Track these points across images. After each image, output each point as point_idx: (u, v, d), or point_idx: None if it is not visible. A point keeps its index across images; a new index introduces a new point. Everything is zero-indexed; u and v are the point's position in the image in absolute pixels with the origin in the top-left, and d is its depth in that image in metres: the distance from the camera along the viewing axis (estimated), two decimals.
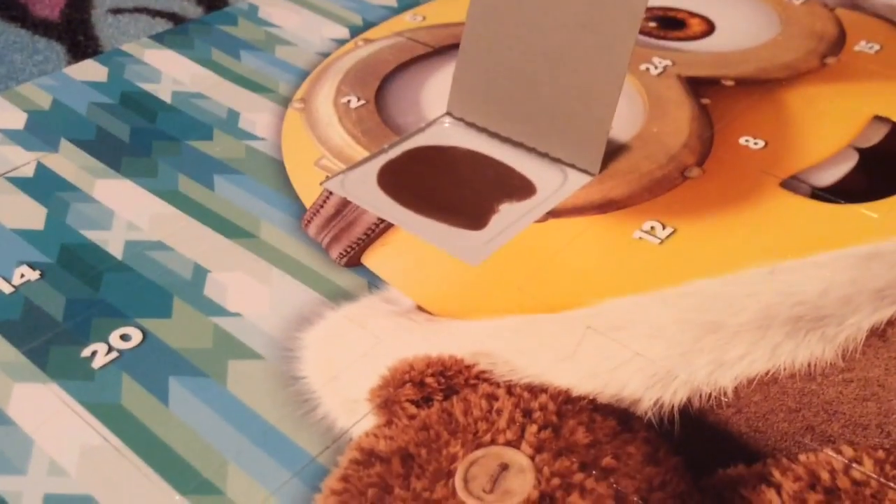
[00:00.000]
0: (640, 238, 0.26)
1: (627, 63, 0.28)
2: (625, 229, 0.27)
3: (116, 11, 0.40)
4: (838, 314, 0.23)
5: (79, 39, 0.38)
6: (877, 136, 0.31)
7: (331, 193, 0.29)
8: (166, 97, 0.34)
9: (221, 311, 0.24)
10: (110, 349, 0.23)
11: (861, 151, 0.30)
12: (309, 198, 0.28)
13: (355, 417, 0.22)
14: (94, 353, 0.23)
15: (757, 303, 0.24)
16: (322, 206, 0.28)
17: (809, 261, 0.25)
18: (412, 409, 0.22)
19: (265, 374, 0.23)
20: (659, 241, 0.26)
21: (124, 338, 0.24)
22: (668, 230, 0.27)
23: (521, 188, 0.29)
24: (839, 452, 0.20)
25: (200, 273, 0.26)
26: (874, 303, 0.24)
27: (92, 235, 0.27)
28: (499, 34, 0.30)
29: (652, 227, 0.27)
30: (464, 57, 0.31)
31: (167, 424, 0.21)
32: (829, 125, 0.31)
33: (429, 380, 0.23)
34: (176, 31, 0.38)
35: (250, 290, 0.25)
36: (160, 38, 0.37)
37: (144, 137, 0.31)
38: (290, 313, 0.24)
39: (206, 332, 0.24)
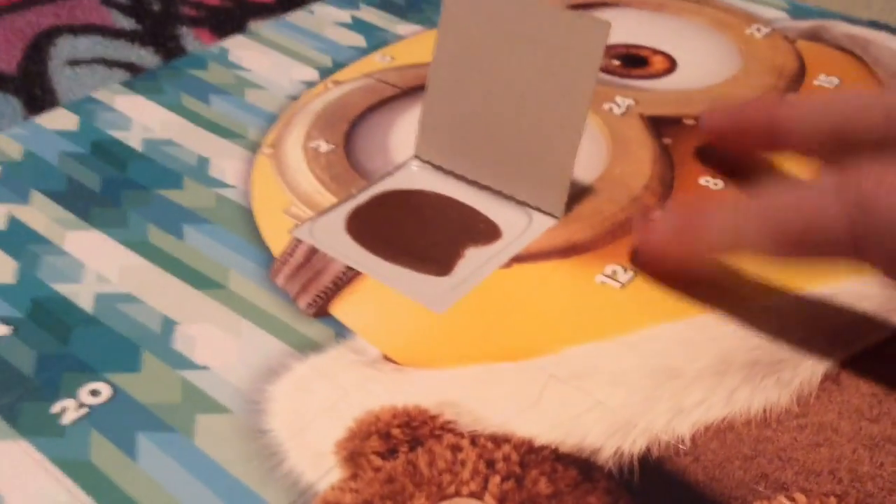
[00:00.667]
0: (603, 283, 0.27)
1: (588, 107, 0.28)
2: (587, 274, 0.27)
3: (74, 63, 0.40)
4: (793, 359, 0.24)
5: (35, 93, 0.38)
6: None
7: (299, 241, 0.29)
8: (137, 145, 0.34)
9: (190, 365, 0.25)
10: (80, 405, 0.24)
11: None
12: (278, 246, 0.29)
13: (321, 471, 0.22)
14: (63, 409, 0.23)
15: (716, 347, 0.25)
16: (291, 255, 0.29)
17: (765, 305, 0.26)
18: (378, 462, 0.22)
19: (232, 428, 0.23)
20: (620, 285, 0.27)
21: (94, 393, 0.24)
22: (630, 274, 0.27)
23: (486, 232, 0.30)
24: (792, 500, 0.21)
25: (169, 325, 0.26)
26: (828, 346, 0.24)
27: (62, 289, 0.27)
28: (463, 78, 0.31)
29: (614, 272, 0.27)
30: (429, 101, 0.32)
31: (135, 481, 0.22)
32: (789, 163, 0.32)
33: (394, 431, 0.23)
34: (145, 77, 0.39)
35: (218, 342, 0.25)
36: (130, 85, 0.38)
37: (115, 187, 0.32)
38: (258, 365, 0.25)
39: (174, 385, 0.24)
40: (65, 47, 0.42)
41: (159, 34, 0.43)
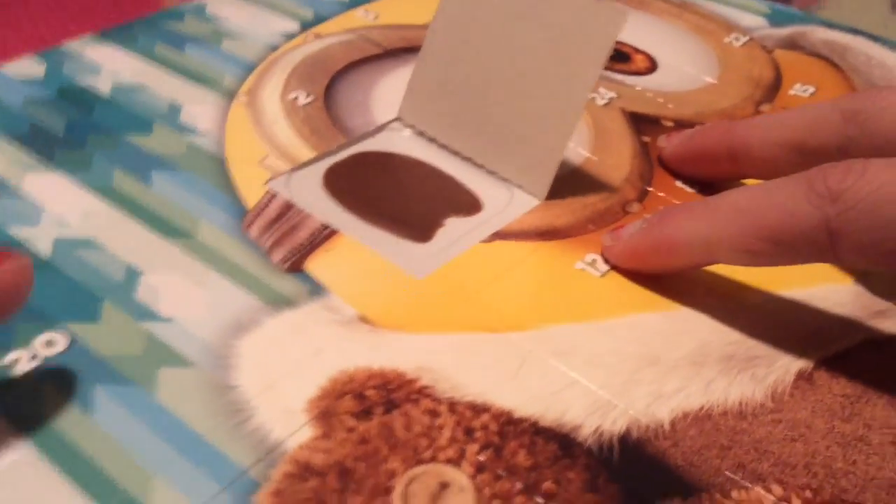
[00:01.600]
0: (582, 269, 0.26)
1: (588, 96, 0.27)
2: (567, 259, 0.26)
3: None
4: (768, 356, 0.23)
5: None
6: None
7: (275, 194, 0.28)
8: (105, 90, 0.32)
9: (153, 316, 0.23)
10: (34, 356, 0.22)
11: None
12: (252, 198, 0.27)
13: (291, 428, 0.21)
14: (16, 361, 0.22)
15: (693, 340, 0.24)
16: (265, 208, 0.27)
17: (743, 303, 0.25)
18: (351, 422, 0.21)
19: (197, 383, 0.22)
20: (600, 273, 0.26)
21: (49, 343, 0.22)
22: (609, 265, 0.26)
23: (467, 204, 0.29)
24: (769, 491, 0.20)
25: (133, 275, 0.24)
26: (802, 347, 0.24)
27: (18, 232, 0.26)
28: (462, 46, 0.30)
29: (594, 260, 0.26)
30: (422, 65, 0.31)
31: (91, 436, 0.20)
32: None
33: (369, 392, 0.22)
34: (120, 29, 0.37)
35: (184, 294, 0.24)
36: (103, 35, 0.36)
37: (80, 131, 0.30)
38: (227, 319, 0.23)
39: (136, 337, 0.23)
40: None
41: None
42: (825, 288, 0.26)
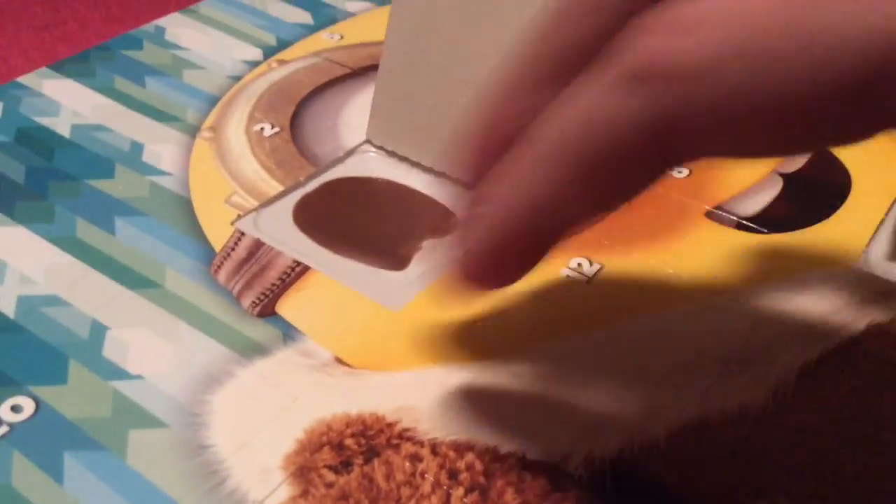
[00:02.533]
0: (568, 276, 0.25)
1: None
2: (552, 268, 0.26)
3: None
4: (768, 353, 0.23)
5: None
6: (800, 160, 0.30)
7: (242, 234, 0.27)
8: (65, 131, 0.31)
9: (121, 374, 0.22)
10: (0, 423, 0.21)
11: (785, 177, 0.29)
12: (219, 240, 0.27)
13: (268, 489, 0.20)
14: None
15: (685, 343, 0.23)
16: (233, 249, 0.26)
17: (736, 297, 0.24)
18: (330, 476, 0.20)
19: (169, 444, 0.21)
20: (587, 278, 0.25)
21: (15, 409, 0.22)
22: (596, 266, 0.26)
23: (444, 222, 0.28)
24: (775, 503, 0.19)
25: (99, 330, 0.24)
26: (803, 340, 0.23)
27: None
28: (419, 60, 0.29)
29: (579, 264, 0.26)
30: (382, 82, 0.30)
31: None
32: None
33: (348, 441, 0.21)
34: (76, 60, 0.36)
35: (153, 349, 0.23)
36: (59, 68, 0.35)
37: (41, 178, 0.29)
38: (198, 373, 0.23)
39: (104, 398, 0.22)
40: None
41: None
42: (822, 272, 0.25)
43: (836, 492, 0.20)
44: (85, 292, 0.25)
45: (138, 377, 0.22)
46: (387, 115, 0.30)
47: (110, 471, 0.20)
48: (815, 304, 0.24)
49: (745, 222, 0.27)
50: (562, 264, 0.26)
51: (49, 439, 0.21)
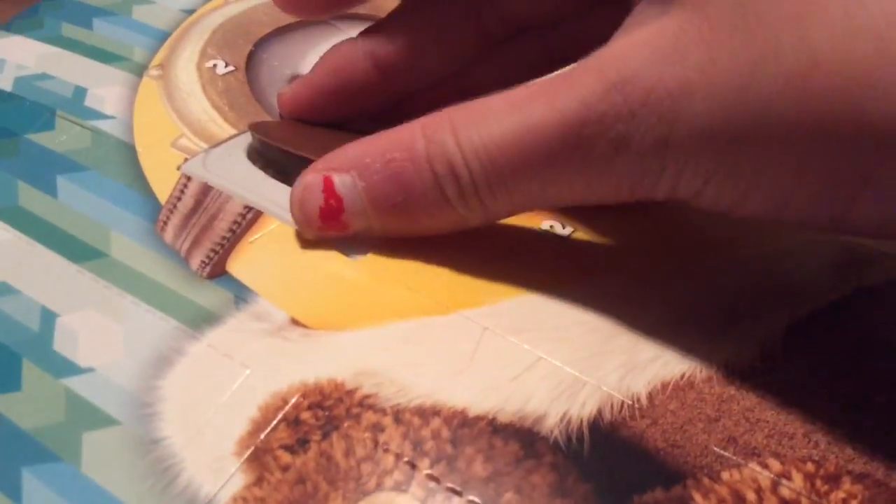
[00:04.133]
0: (549, 229, 0.22)
1: None
2: (531, 220, 0.23)
3: None
4: (753, 312, 0.20)
5: None
6: None
7: (189, 180, 0.25)
8: (7, 86, 0.29)
9: (72, 369, 0.21)
10: None
11: None
12: (165, 191, 0.25)
13: (221, 479, 0.19)
14: None
15: (668, 299, 0.20)
16: (179, 199, 0.24)
17: (720, 260, 0.21)
18: (286, 458, 0.19)
19: (122, 443, 0.20)
20: (567, 233, 0.22)
21: None
22: (568, 230, 0.22)
23: None
24: (765, 467, 0.17)
25: (48, 319, 0.22)
26: (790, 299, 0.20)
27: None
28: None
29: (551, 226, 0.23)
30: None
31: None
32: None
33: (305, 415, 0.20)
34: (24, 15, 0.33)
35: (102, 333, 0.22)
36: (7, 27, 0.32)
37: None
38: (148, 356, 0.21)
39: (57, 400, 0.21)
40: None
41: None
42: (806, 239, 0.22)
43: (829, 455, 0.17)
44: (31, 274, 0.23)
45: (89, 370, 0.21)
46: None
47: (66, 483, 0.19)
48: (798, 268, 0.21)
49: None
50: (533, 225, 0.23)
51: (6, 456, 0.20)
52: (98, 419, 0.20)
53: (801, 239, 0.22)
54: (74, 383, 0.21)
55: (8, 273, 0.24)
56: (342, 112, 0.25)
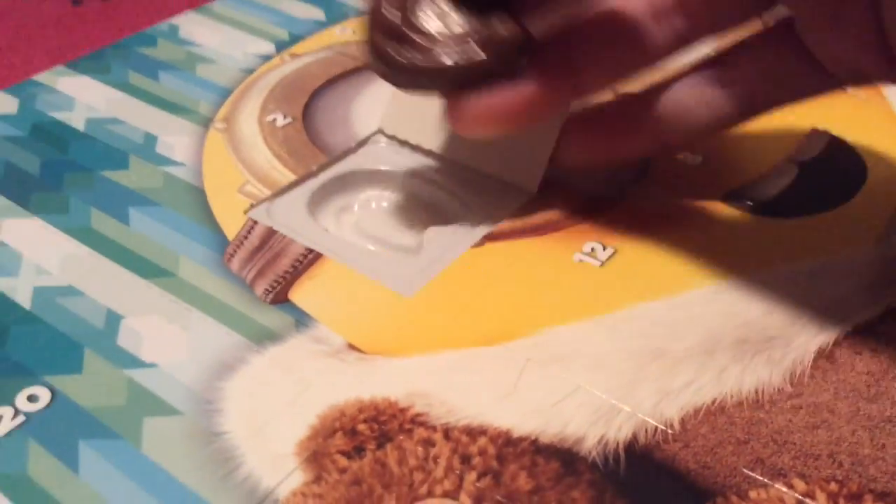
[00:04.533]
0: (581, 261, 0.25)
1: None
2: (564, 252, 0.25)
3: None
4: (784, 336, 0.22)
5: None
6: (815, 148, 0.30)
7: (255, 223, 0.27)
8: (79, 125, 0.32)
9: (136, 363, 0.23)
10: (16, 412, 0.21)
11: (800, 164, 0.29)
12: (232, 229, 0.27)
13: (282, 475, 0.20)
14: None
15: (701, 326, 0.23)
16: (246, 238, 0.26)
17: (752, 280, 0.24)
18: (343, 462, 0.20)
19: (183, 432, 0.21)
20: (600, 263, 0.25)
21: (31, 399, 0.22)
22: (609, 251, 0.25)
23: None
24: (791, 487, 0.19)
25: (114, 320, 0.24)
26: (820, 322, 0.23)
27: None
28: None
29: (592, 249, 0.25)
30: None
31: (77, 494, 0.20)
32: (767, 138, 0.30)
33: (361, 427, 0.21)
34: (91, 58, 0.36)
35: (167, 337, 0.23)
36: (74, 66, 0.35)
37: (56, 170, 0.29)
38: (211, 360, 0.23)
39: (119, 387, 0.22)
40: None
41: None
42: (842, 256, 0.25)
43: (852, 475, 0.19)
44: (99, 282, 0.25)
45: (152, 365, 0.23)
46: (403, 105, 0.30)
47: (125, 459, 0.20)
48: (831, 287, 0.24)
49: (760, 207, 0.27)
50: (574, 248, 0.26)
51: (65, 428, 0.21)
52: (160, 407, 0.21)
53: (834, 256, 0.25)
54: (137, 374, 0.22)
55: (75, 279, 0.25)
56: None
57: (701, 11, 0.24)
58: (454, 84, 0.22)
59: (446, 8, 0.22)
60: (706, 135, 0.25)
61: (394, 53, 0.22)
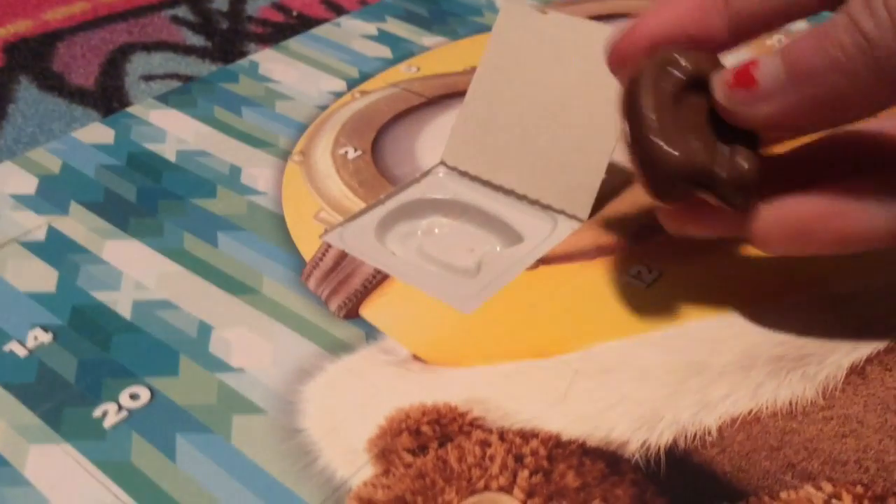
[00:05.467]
0: (628, 283, 0.27)
1: None
2: (612, 275, 0.28)
3: (148, 78, 0.42)
4: (818, 353, 0.24)
5: (113, 106, 0.40)
6: None
7: (329, 246, 0.30)
8: (171, 156, 0.35)
9: (225, 367, 0.25)
10: (120, 408, 0.24)
11: None
12: (308, 251, 0.30)
13: (354, 468, 0.22)
14: (105, 413, 0.24)
15: (740, 344, 0.25)
16: (321, 259, 0.29)
17: (790, 302, 0.26)
18: (408, 458, 0.23)
19: (267, 428, 0.24)
20: (646, 285, 0.27)
21: (133, 397, 0.25)
22: (654, 274, 0.28)
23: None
24: (819, 489, 0.21)
25: (205, 330, 0.27)
26: (853, 341, 0.24)
27: (102, 296, 0.28)
28: (505, 88, 0.32)
29: (639, 272, 0.28)
30: (466, 109, 0.33)
31: (175, 480, 0.22)
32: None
33: (424, 428, 0.23)
34: (180, 91, 0.40)
35: (253, 346, 0.26)
36: (164, 99, 0.39)
37: (151, 197, 0.33)
38: (292, 367, 0.25)
39: (210, 388, 0.25)
40: (139, 63, 0.43)
41: (228, 51, 0.44)
42: (876, 280, 0.27)
43: (878, 480, 0.21)
44: (192, 297, 0.28)
45: (240, 370, 0.25)
46: (464, 138, 0.33)
47: (217, 450, 0.23)
48: (867, 309, 0.26)
49: None
50: (622, 271, 0.28)
51: (163, 423, 0.24)
52: (246, 406, 0.24)
53: (872, 279, 0.26)
54: (227, 377, 0.25)
55: (171, 293, 0.28)
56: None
57: None
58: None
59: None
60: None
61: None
